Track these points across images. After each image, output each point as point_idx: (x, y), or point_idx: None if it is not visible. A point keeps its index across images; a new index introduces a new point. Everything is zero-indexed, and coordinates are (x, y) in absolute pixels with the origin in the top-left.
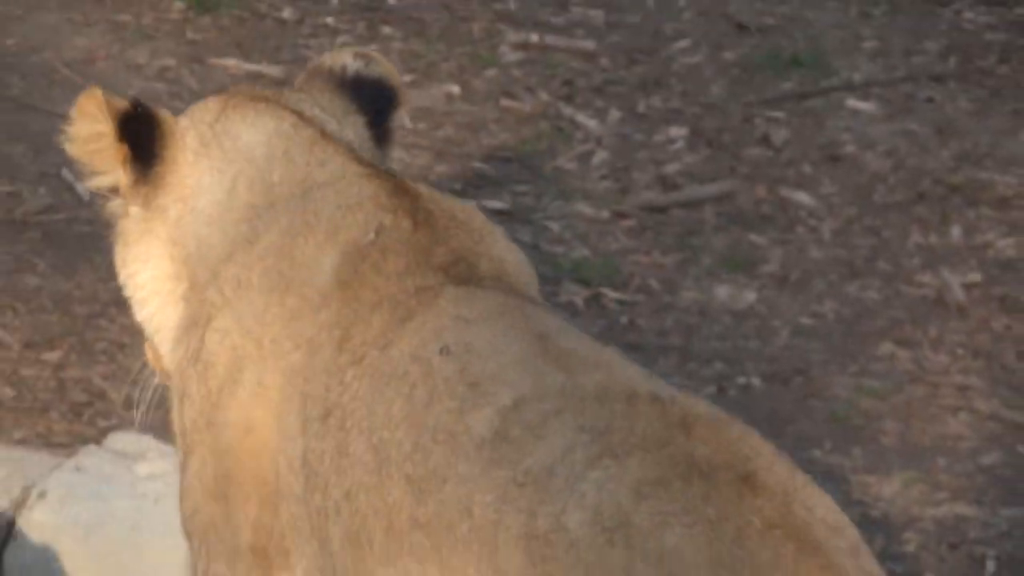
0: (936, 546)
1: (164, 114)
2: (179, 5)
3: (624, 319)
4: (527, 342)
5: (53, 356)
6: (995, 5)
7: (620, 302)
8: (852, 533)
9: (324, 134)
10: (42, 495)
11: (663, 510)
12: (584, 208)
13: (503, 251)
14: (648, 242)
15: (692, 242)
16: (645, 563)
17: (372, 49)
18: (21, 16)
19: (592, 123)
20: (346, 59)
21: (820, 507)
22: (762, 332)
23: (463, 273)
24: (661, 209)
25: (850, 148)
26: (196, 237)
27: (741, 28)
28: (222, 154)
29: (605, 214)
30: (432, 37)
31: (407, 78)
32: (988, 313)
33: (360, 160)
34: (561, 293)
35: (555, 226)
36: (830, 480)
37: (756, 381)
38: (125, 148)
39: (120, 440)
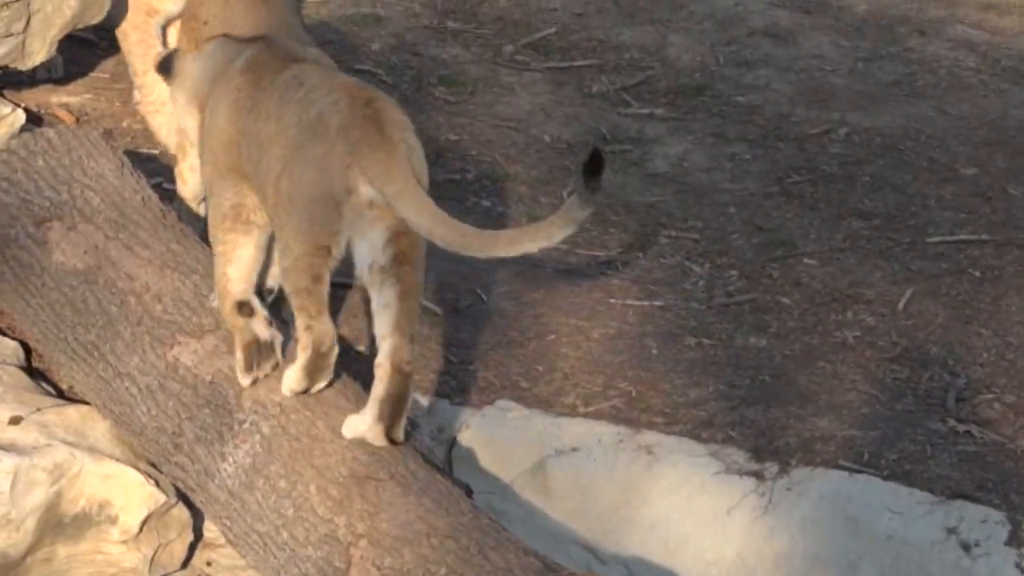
0: (843, 448)
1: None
2: None
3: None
4: (322, 74)
5: None
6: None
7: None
8: (410, 134)
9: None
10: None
11: (333, 109)
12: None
13: (319, 57)
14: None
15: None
16: (319, 121)
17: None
18: None
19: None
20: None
21: (400, 123)
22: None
23: (297, 60)
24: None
25: (804, 277)
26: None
27: (759, 229)
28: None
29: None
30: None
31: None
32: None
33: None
34: None
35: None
36: (798, 419)
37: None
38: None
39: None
